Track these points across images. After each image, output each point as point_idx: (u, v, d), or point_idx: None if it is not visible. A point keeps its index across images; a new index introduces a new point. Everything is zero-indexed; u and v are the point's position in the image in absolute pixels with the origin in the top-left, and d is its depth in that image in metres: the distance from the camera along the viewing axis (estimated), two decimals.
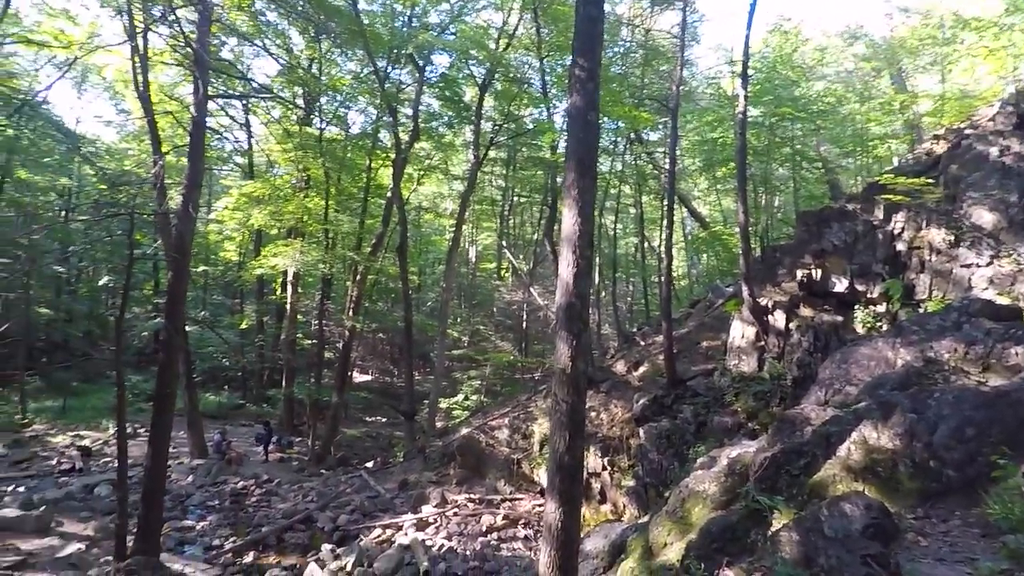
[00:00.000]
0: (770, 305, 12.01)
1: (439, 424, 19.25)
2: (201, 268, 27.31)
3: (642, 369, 15.03)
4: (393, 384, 30.34)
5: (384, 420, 26.01)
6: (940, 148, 11.87)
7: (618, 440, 13.46)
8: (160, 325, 25.01)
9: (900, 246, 11.18)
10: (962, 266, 10.37)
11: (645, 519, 8.57)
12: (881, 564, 4.50)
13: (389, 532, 12.69)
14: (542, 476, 14.07)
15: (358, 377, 30.50)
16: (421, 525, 12.81)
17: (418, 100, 17.76)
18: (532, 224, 28.98)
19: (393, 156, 18.07)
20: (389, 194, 18.25)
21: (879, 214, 11.62)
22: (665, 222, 13.26)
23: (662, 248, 19.21)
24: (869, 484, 5.90)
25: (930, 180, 10.93)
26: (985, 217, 10.39)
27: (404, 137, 17.65)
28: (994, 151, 10.64)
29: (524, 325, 22.65)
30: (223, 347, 25.60)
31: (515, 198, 25.63)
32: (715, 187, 18.67)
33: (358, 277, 18.75)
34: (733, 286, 16.08)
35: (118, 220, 13.97)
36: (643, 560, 7.15)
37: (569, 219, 6.15)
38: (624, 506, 12.17)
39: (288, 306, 21.82)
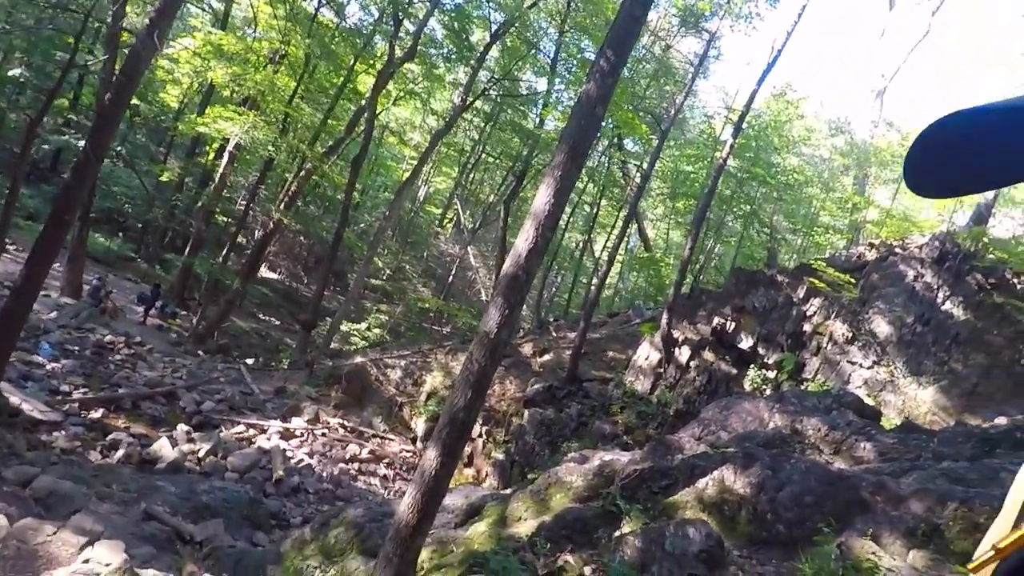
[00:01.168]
0: (681, 339, 12.75)
1: (334, 345, 18.98)
2: (135, 102, 24.96)
3: (546, 357, 15.54)
4: (298, 291, 29.44)
5: (278, 323, 25.24)
6: (870, 255, 13.01)
7: (501, 415, 13.91)
8: (70, 143, 22.54)
9: (807, 327, 12.20)
10: (848, 362, 11.50)
11: (507, 492, 8.98)
12: None
13: (252, 432, 12.48)
14: (419, 426, 14.31)
15: (266, 273, 29.34)
16: (287, 435, 12.69)
17: (425, 21, 17.03)
18: (491, 186, 28.78)
19: (380, 67, 17.27)
20: (363, 102, 17.47)
21: (800, 293, 12.59)
22: (617, 232, 13.67)
23: (603, 253, 19.77)
24: (713, 518, 6.54)
25: (852, 280, 11.97)
26: (882, 327, 11.54)
27: (399, 52, 16.91)
28: (910, 275, 11.80)
29: (450, 279, 22.60)
30: (134, 192, 23.70)
31: (483, 155, 25.33)
32: (671, 216, 19.42)
33: (302, 173, 17.91)
34: (653, 311, 16.88)
35: (66, 17, 12.50)
36: (495, 527, 7.53)
37: (543, 196, 6.22)
38: (487, 475, 12.66)
39: (217, 175, 20.51)
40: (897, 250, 12.48)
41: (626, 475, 7.08)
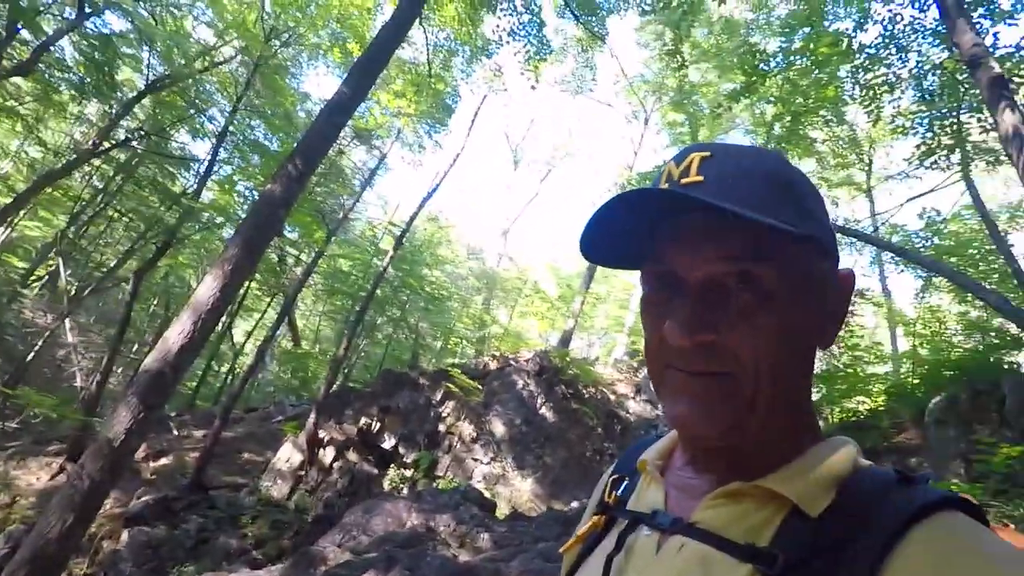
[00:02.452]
0: (326, 439, 12.58)
1: None
2: None
3: (164, 461, 13.14)
4: None
5: None
6: (493, 365, 15.54)
7: (87, 539, 10.95)
8: None
9: (442, 427, 13.59)
10: (473, 459, 13.18)
11: None
12: None
13: None
14: None
15: None
16: None
17: (56, 38, 14.05)
18: (114, 249, 23.81)
19: None
20: None
21: (438, 396, 14.06)
22: (266, 320, 13.05)
23: (249, 341, 18.33)
24: None
25: (479, 386, 14.04)
26: (499, 428, 13.72)
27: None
28: (520, 383, 14.55)
29: (30, 356, 17.22)
30: None
31: (105, 207, 21.07)
32: (324, 312, 19.48)
33: None
34: (298, 408, 16.25)
35: None
36: None
37: (209, 288, 5.76)
38: None
39: None
40: (512, 362, 15.30)
41: None
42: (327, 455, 12.40)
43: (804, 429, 0.61)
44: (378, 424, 13.23)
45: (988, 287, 7.76)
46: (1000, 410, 7.73)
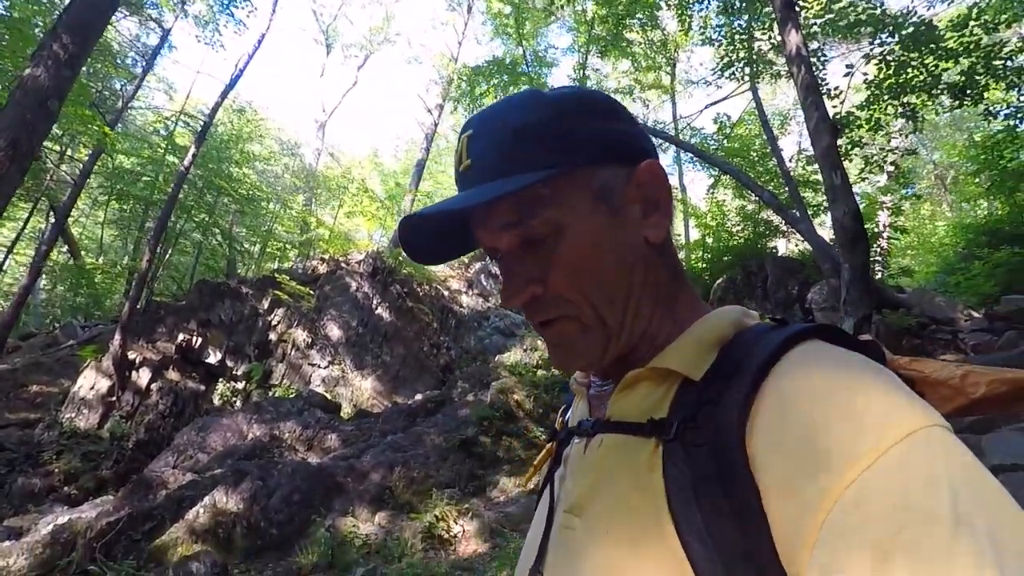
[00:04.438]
0: (139, 360, 11.40)
1: None
2: None
3: None
4: None
5: None
6: (322, 268, 14.97)
7: None
8: None
9: (272, 336, 13.04)
10: (310, 364, 13.00)
11: None
12: None
13: None
14: None
15: None
16: None
17: None
18: None
19: None
20: None
21: (265, 304, 13.32)
22: (44, 238, 10.91)
23: (10, 259, 15.28)
24: (208, 544, 6.41)
25: (311, 292, 13.54)
26: (334, 332, 13.57)
27: None
28: (353, 285, 14.33)
29: None
30: None
31: None
32: (104, 218, 16.47)
33: None
34: (91, 329, 14.28)
35: None
36: None
37: None
38: None
39: None
40: (343, 265, 14.87)
41: (98, 532, 6.04)
42: (142, 377, 11.29)
43: (683, 310, 0.64)
44: (199, 339, 12.25)
45: (761, 184, 9.39)
46: (764, 286, 9.72)
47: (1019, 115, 8.87)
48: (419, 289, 15.38)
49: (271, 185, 17.08)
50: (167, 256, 14.36)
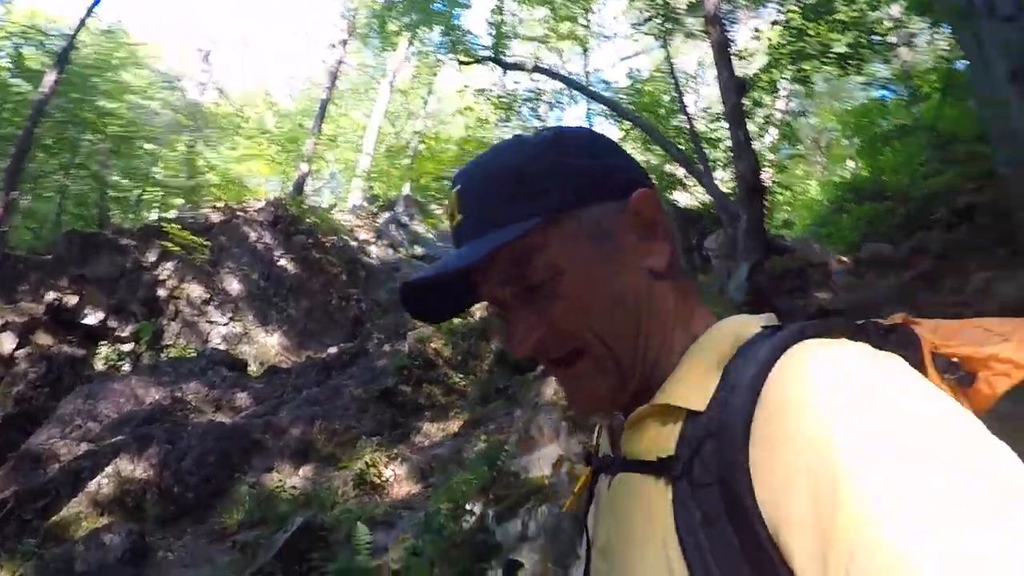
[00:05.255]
0: None
1: None
2: None
3: None
4: None
5: None
6: (216, 217, 13.78)
7: None
8: None
9: (162, 292, 11.96)
10: (207, 321, 12.13)
11: None
12: None
13: None
14: None
15: None
16: None
17: None
18: None
19: None
20: None
21: (151, 257, 12.13)
22: None
23: None
24: (117, 516, 5.98)
25: (204, 243, 12.48)
26: (234, 285, 12.71)
27: None
28: (253, 235, 13.40)
29: None
30: None
31: None
32: None
33: None
34: None
35: None
36: None
37: None
38: None
39: None
40: (239, 214, 13.78)
41: None
42: (5, 343, 9.98)
43: (686, 332, 0.62)
44: (74, 298, 10.97)
45: (669, 139, 9.85)
46: None
47: (888, 86, 9.95)
48: (325, 240, 14.68)
49: (147, 122, 15.17)
50: (23, 202, 12.54)
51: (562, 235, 0.58)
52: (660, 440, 0.55)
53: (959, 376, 0.54)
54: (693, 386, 0.55)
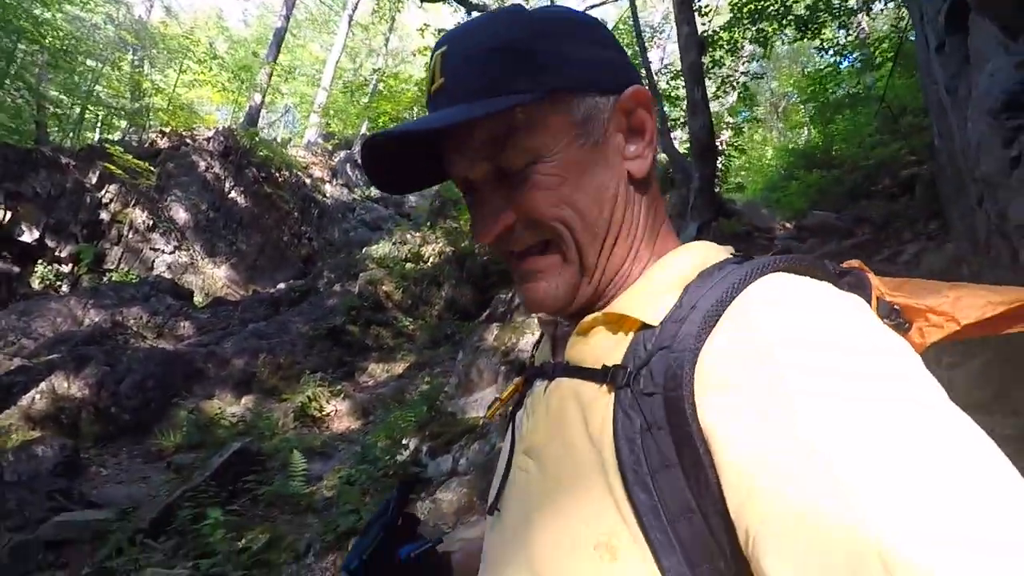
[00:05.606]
0: None
1: None
2: None
3: None
4: None
5: None
6: (163, 143, 13.22)
7: None
8: None
9: (104, 215, 11.55)
10: (152, 249, 11.83)
11: None
12: (67, 496, 4.91)
13: None
14: None
15: None
16: None
17: None
18: None
19: None
20: None
21: (93, 179, 11.64)
22: None
23: None
24: (50, 431, 5.99)
25: (151, 168, 12.01)
26: (181, 215, 12.35)
27: None
28: (202, 165, 12.94)
29: None
30: None
31: None
32: None
33: None
34: None
35: None
36: None
37: None
38: None
39: None
40: (188, 141, 13.24)
41: None
42: None
43: (659, 251, 0.61)
44: (8, 213, 10.50)
45: None
46: None
47: (843, 53, 10.12)
48: (278, 175, 14.30)
49: (89, 37, 14.16)
50: None
51: (551, 119, 0.55)
52: (608, 349, 0.54)
53: (897, 322, 0.56)
54: (650, 301, 0.54)
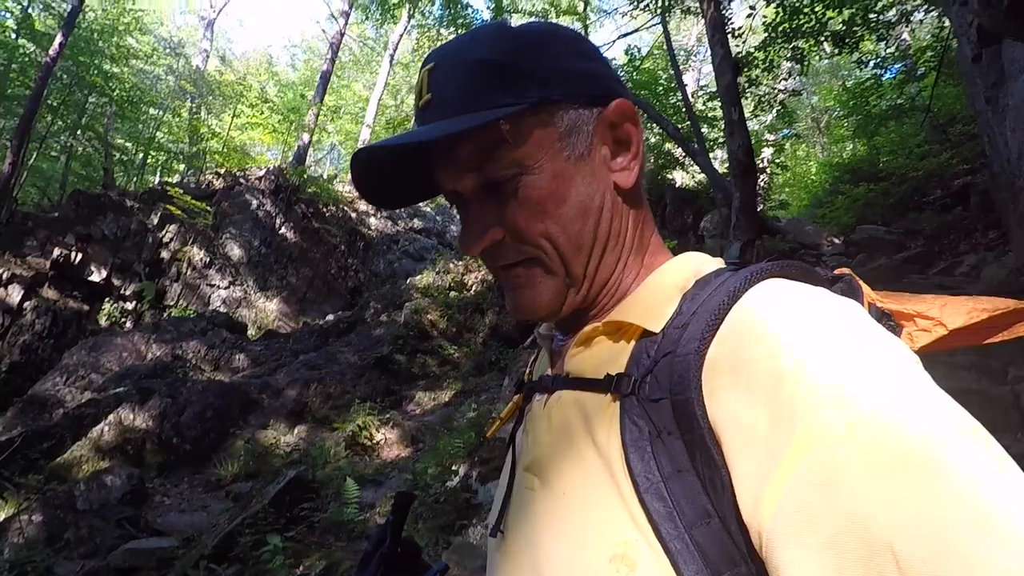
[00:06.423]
0: (7, 276, 10.34)
1: None
2: None
3: None
4: None
5: None
6: (219, 184, 13.96)
7: None
8: None
9: (165, 254, 12.22)
10: (208, 284, 12.40)
11: None
12: (134, 524, 5.13)
13: None
14: None
15: None
16: None
17: None
18: None
19: None
20: None
21: (155, 219, 12.35)
22: None
23: None
24: (117, 461, 6.30)
25: (208, 207, 12.68)
26: (235, 251, 12.93)
27: None
28: (254, 203, 13.58)
29: None
30: None
31: None
32: None
33: None
34: None
35: None
36: None
37: None
38: None
39: None
40: (241, 180, 13.95)
41: None
42: (12, 294, 10.27)
43: (649, 261, 0.62)
44: (79, 255, 11.23)
45: (667, 117, 9.90)
46: (664, 215, 10.49)
47: (884, 65, 9.92)
48: (325, 210, 14.86)
49: (151, 87, 15.24)
50: (30, 161, 12.73)
51: (535, 132, 0.55)
52: (610, 358, 0.55)
53: (889, 326, 0.58)
54: (650, 309, 0.55)
